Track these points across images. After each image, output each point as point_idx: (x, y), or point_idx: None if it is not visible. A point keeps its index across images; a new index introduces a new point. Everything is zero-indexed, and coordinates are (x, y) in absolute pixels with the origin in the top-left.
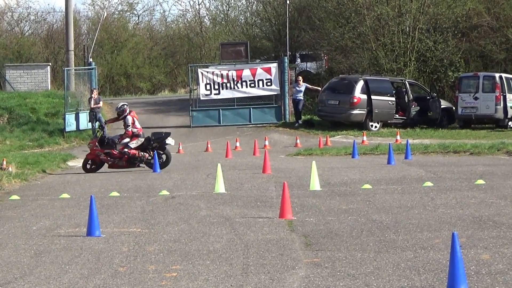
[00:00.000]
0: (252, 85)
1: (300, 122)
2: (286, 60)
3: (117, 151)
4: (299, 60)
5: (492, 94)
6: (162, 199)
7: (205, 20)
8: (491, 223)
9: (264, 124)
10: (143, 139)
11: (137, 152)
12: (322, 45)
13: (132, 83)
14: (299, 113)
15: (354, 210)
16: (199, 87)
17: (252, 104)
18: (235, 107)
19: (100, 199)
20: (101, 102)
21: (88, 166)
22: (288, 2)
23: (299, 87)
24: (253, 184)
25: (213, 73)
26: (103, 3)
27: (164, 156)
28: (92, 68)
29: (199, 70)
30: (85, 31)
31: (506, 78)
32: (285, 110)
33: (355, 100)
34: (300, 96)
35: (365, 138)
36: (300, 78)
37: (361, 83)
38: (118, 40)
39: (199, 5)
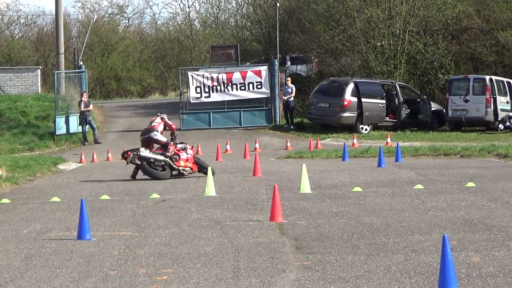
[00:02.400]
0: (243, 88)
1: (292, 126)
2: (277, 63)
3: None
4: (289, 62)
5: (482, 97)
6: (152, 203)
7: (195, 23)
8: (481, 226)
9: (254, 127)
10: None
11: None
12: (312, 48)
13: (122, 86)
14: (290, 116)
15: (345, 213)
16: (189, 90)
17: (242, 107)
18: (226, 110)
19: (91, 203)
20: (91, 105)
21: None
22: (278, 4)
23: (287, 87)
24: (244, 187)
25: (203, 76)
26: (93, 6)
27: None
28: (82, 71)
29: (189, 73)
30: (75, 34)
31: (496, 80)
32: (275, 113)
33: (346, 103)
34: (290, 98)
35: (355, 140)
36: (289, 79)
37: (351, 86)
38: (108, 43)
39: (189, 8)
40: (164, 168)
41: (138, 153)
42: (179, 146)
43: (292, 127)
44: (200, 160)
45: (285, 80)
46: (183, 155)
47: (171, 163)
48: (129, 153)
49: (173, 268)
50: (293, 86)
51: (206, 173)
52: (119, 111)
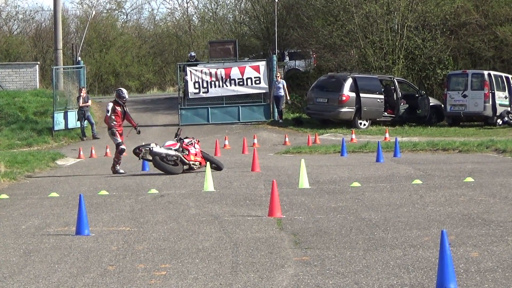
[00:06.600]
0: (241, 83)
1: (280, 120)
2: (275, 58)
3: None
4: (287, 58)
5: (480, 92)
6: (151, 198)
7: (193, 18)
8: (480, 221)
9: (253, 122)
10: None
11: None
12: (310, 43)
13: (120, 82)
14: (279, 111)
15: (343, 208)
16: (188, 86)
17: (240, 103)
18: (224, 105)
19: (89, 198)
20: (89, 101)
21: None
22: (276, 0)
23: (277, 83)
24: (242, 183)
25: (201, 71)
26: (91, 2)
27: None
28: (81, 67)
29: (188, 69)
30: (74, 29)
31: (494, 75)
32: (273, 108)
33: (344, 98)
34: (280, 92)
35: (353, 136)
36: (279, 74)
37: (349, 81)
38: (107, 38)
39: (187, 3)
40: (176, 163)
41: (150, 148)
42: (186, 140)
43: (280, 120)
44: (208, 155)
45: (275, 76)
46: (192, 150)
47: (183, 157)
48: (141, 148)
49: (171, 263)
50: (283, 81)
51: (216, 168)
52: None
